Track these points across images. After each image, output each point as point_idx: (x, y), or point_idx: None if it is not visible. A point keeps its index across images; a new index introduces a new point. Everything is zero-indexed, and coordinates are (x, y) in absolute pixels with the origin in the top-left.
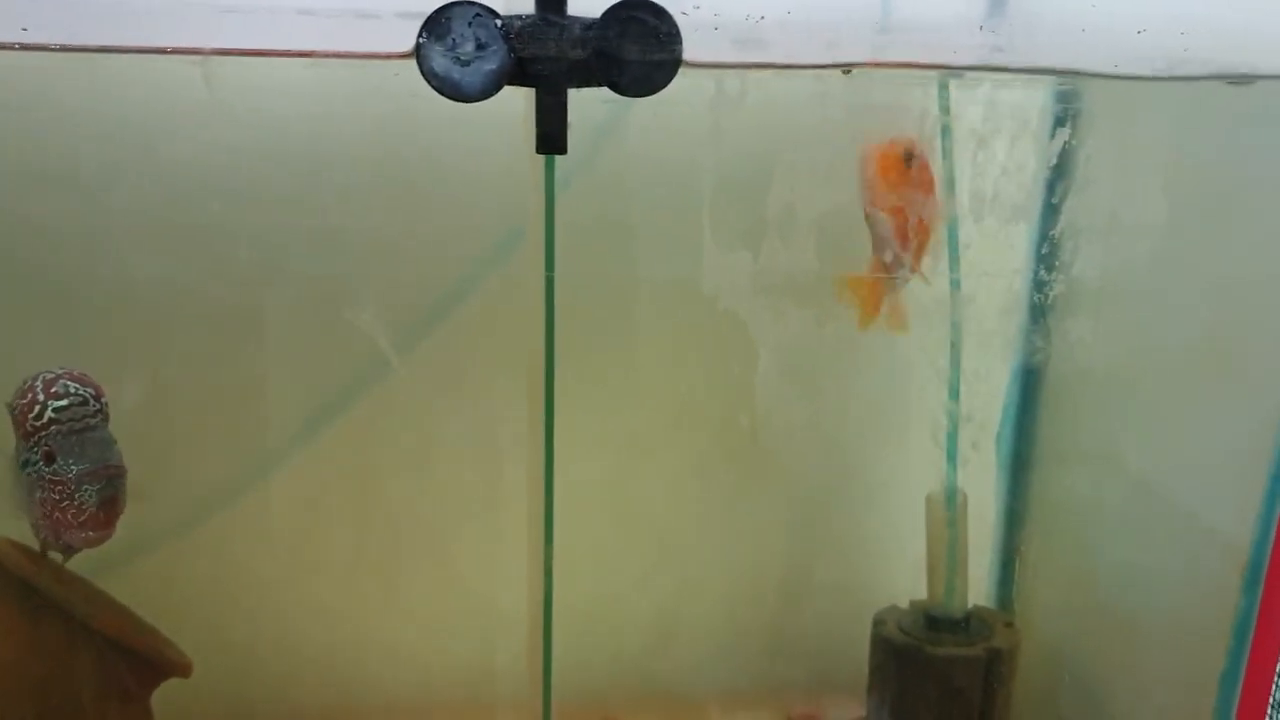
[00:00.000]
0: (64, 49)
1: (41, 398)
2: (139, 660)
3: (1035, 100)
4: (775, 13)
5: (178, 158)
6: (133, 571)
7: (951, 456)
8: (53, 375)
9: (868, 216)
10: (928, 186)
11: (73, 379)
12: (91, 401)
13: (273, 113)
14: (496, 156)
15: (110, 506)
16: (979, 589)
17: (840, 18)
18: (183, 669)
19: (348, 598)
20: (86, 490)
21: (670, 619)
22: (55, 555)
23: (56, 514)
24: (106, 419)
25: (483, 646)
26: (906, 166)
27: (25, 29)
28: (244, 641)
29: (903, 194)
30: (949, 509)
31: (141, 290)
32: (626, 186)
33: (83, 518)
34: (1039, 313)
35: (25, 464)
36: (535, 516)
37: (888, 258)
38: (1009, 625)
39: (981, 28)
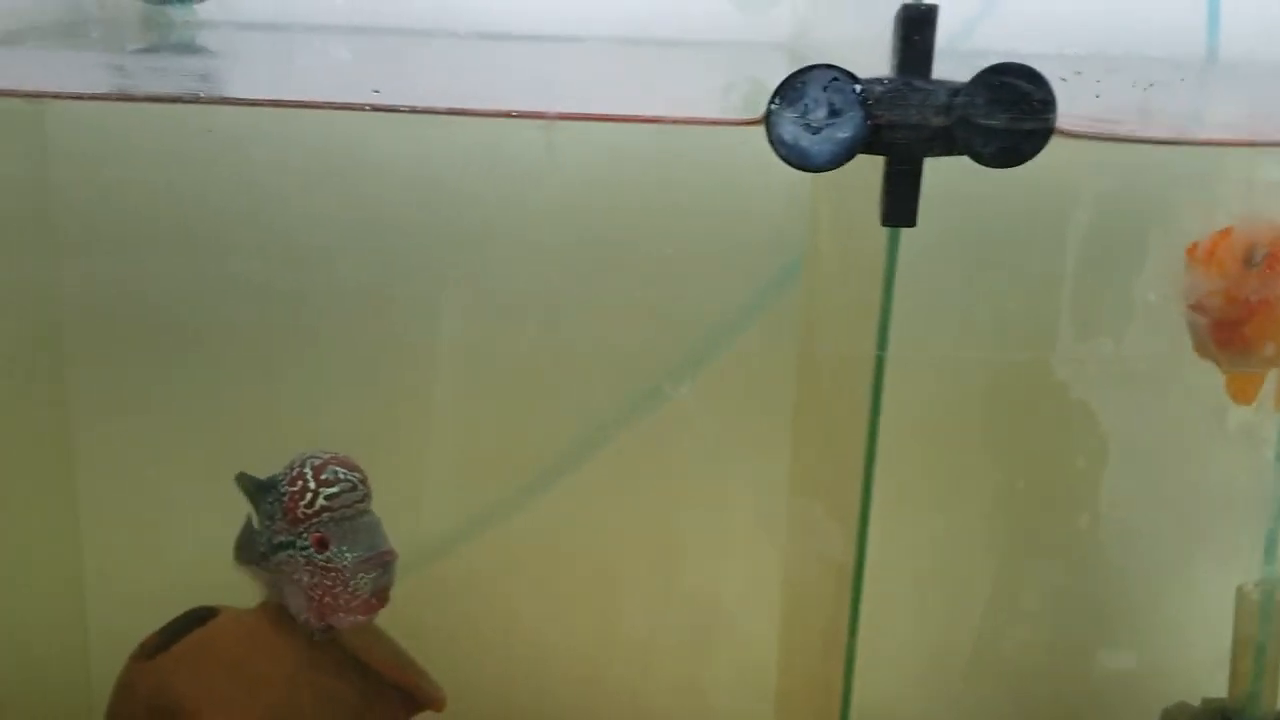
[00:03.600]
0: (413, 111)
1: (313, 485)
2: (401, 694)
3: None
4: (1167, 78)
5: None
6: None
7: (1271, 548)
8: (320, 460)
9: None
10: None
11: (339, 464)
12: (359, 486)
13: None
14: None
15: (383, 594)
16: None
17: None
18: (437, 703)
19: (599, 643)
20: (362, 579)
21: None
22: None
23: (327, 599)
24: (371, 501)
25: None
26: (1247, 265)
27: (377, 90)
28: (494, 676)
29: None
30: (1263, 602)
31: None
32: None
33: (355, 604)
34: None
35: (284, 546)
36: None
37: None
38: None
39: None
